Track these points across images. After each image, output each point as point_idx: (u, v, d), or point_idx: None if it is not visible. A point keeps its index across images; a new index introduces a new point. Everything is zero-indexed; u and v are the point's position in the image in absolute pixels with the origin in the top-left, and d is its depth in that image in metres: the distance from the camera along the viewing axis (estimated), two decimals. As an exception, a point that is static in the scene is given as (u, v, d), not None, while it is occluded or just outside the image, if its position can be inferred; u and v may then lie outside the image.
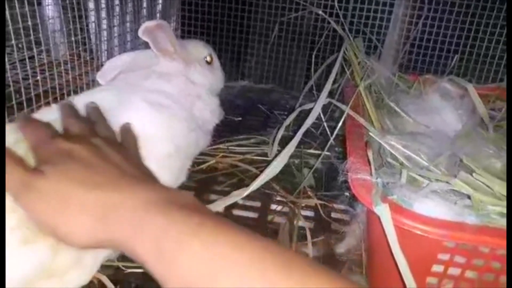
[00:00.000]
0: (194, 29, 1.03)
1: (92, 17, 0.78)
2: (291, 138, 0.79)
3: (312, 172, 0.66)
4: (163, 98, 0.61)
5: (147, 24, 0.64)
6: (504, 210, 0.36)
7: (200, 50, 0.75)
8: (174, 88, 0.64)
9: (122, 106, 0.57)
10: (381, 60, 1.00)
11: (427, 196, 0.37)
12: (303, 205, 0.59)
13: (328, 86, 0.57)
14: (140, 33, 0.64)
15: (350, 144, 0.48)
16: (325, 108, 0.65)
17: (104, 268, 0.44)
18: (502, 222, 0.36)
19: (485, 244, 0.35)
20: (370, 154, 0.43)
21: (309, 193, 0.62)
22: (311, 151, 0.74)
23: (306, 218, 0.57)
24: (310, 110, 0.57)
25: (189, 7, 1.01)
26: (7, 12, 0.57)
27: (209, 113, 0.70)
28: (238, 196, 0.49)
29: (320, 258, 0.49)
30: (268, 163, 0.53)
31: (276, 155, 0.53)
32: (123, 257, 0.46)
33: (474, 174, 0.40)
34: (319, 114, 0.66)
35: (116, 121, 0.53)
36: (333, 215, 0.58)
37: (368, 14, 0.96)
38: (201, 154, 0.67)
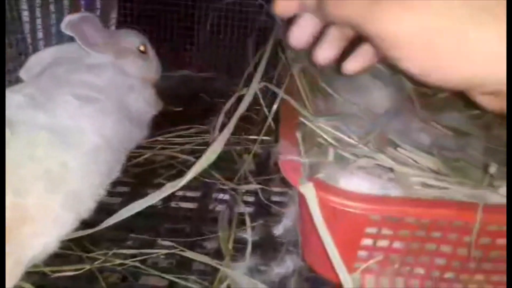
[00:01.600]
0: (131, 19, 0.99)
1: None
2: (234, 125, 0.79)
3: (253, 157, 0.66)
4: (91, 91, 0.59)
5: (69, 18, 0.61)
6: (427, 181, 0.38)
7: (132, 39, 0.72)
8: (103, 80, 0.62)
9: (50, 102, 0.54)
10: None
11: (353, 173, 0.37)
12: (243, 190, 0.59)
13: (260, 70, 0.56)
14: (63, 27, 0.61)
15: (283, 127, 0.48)
16: (267, 93, 0.64)
17: (28, 275, 0.42)
18: (424, 192, 0.37)
19: (409, 214, 0.36)
20: (299, 136, 0.43)
21: (249, 178, 0.61)
22: (253, 137, 0.73)
23: (247, 203, 0.57)
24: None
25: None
26: None
27: (144, 104, 0.68)
28: (172, 188, 0.48)
29: (259, 242, 0.49)
30: (207, 152, 0.52)
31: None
32: (49, 261, 0.44)
33: (398, 149, 0.41)
34: (260, 99, 0.66)
35: (41, 117, 0.50)
36: (273, 198, 0.58)
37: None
38: (138, 147, 0.65)
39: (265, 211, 0.55)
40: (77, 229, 0.48)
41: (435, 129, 0.50)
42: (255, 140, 0.73)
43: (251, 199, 0.58)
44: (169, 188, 0.49)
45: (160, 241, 0.49)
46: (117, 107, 0.60)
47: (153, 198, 0.49)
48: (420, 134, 0.50)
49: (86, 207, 0.50)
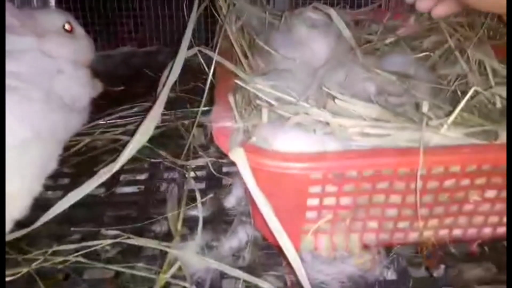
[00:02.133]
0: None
1: None
2: (181, 99, 0.75)
3: (203, 129, 0.62)
4: (12, 80, 0.53)
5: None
6: (366, 130, 0.35)
7: (55, 19, 0.66)
8: (24, 66, 0.57)
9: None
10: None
11: (286, 132, 0.35)
12: (193, 166, 0.56)
13: (188, 34, 0.52)
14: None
15: (217, 92, 0.45)
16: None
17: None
18: (363, 143, 0.34)
19: (349, 168, 0.33)
20: (231, 99, 0.40)
21: (200, 152, 0.58)
22: (204, 108, 0.70)
23: (198, 179, 0.54)
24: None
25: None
26: None
27: (78, 87, 0.63)
28: (107, 173, 0.44)
29: (210, 217, 0.47)
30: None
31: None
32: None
33: (336, 100, 0.38)
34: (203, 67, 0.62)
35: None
36: (224, 169, 0.55)
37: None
38: (77, 134, 0.61)
39: (216, 184, 0.53)
40: (12, 231, 0.45)
41: (378, 76, 0.47)
42: (203, 111, 0.69)
43: (202, 173, 0.55)
44: (105, 173, 0.46)
45: (104, 231, 0.46)
46: (45, 93, 0.55)
47: (89, 186, 0.45)
48: (365, 83, 0.47)
49: (18, 206, 0.46)
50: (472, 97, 0.45)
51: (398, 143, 0.34)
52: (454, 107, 0.35)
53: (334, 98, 0.38)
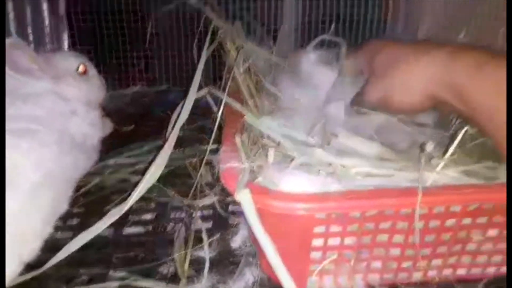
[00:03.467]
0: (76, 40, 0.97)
1: None
2: (190, 137, 0.77)
3: (210, 168, 0.63)
4: (29, 123, 0.55)
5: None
6: (369, 170, 0.36)
7: (70, 61, 0.69)
8: (41, 109, 0.59)
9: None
10: (279, 42, 1.01)
11: (291, 173, 0.36)
12: (200, 205, 0.56)
13: (197, 75, 0.54)
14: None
15: (225, 132, 0.47)
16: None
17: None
18: (367, 183, 0.35)
19: (352, 208, 0.34)
20: (238, 140, 0.41)
21: (206, 191, 0.59)
22: (211, 146, 0.71)
23: (205, 218, 0.54)
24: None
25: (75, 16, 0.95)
26: None
27: (89, 128, 0.65)
28: (118, 213, 0.45)
29: (217, 258, 0.47)
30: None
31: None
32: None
33: (339, 139, 0.39)
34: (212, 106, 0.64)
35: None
36: (231, 208, 0.56)
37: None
38: (88, 174, 0.62)
39: (223, 223, 0.53)
40: (21, 273, 0.45)
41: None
42: (211, 150, 0.70)
43: (208, 212, 0.56)
44: (114, 214, 0.46)
45: (112, 273, 0.46)
46: (59, 135, 0.57)
47: (99, 227, 0.46)
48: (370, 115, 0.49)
49: (29, 249, 0.47)
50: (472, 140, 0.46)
51: (400, 183, 0.35)
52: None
53: (337, 136, 0.39)
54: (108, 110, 0.77)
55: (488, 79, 0.34)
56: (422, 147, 0.35)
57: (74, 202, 0.57)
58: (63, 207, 0.54)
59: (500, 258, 0.39)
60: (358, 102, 0.50)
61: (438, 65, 0.38)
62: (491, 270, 0.40)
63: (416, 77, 0.41)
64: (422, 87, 0.40)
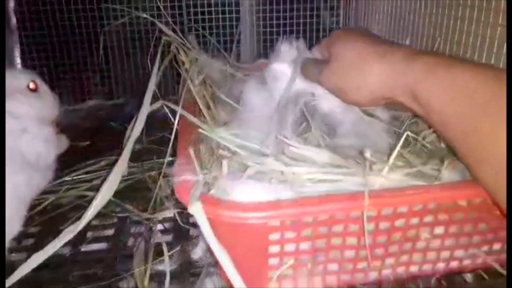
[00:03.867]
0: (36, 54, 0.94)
1: None
2: (148, 150, 0.76)
3: (169, 180, 0.63)
4: (-27, 143, 0.53)
5: None
6: (319, 176, 0.37)
7: (19, 79, 0.67)
8: (-13, 128, 0.56)
9: None
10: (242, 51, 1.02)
11: (243, 183, 0.36)
12: (159, 218, 0.56)
13: (150, 88, 0.54)
14: None
15: (179, 145, 0.47)
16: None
17: None
18: (317, 189, 0.36)
19: (303, 215, 0.35)
20: (191, 152, 0.42)
21: (166, 204, 0.59)
22: (170, 159, 0.71)
23: (164, 231, 0.54)
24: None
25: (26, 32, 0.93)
26: None
27: (42, 145, 0.63)
28: (71, 233, 0.44)
29: (177, 270, 0.47)
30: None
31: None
32: None
33: (290, 148, 0.40)
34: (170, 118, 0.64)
35: None
36: (191, 220, 0.55)
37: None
38: (43, 192, 0.61)
39: (183, 235, 0.53)
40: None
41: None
42: (169, 162, 0.70)
43: (169, 225, 0.56)
44: (69, 232, 0.45)
45: (70, 292, 0.45)
46: (9, 155, 0.55)
47: (53, 247, 0.45)
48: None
49: (-20, 272, 0.45)
50: (423, 138, 0.49)
51: (348, 187, 0.36)
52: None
53: (288, 145, 0.40)
54: (63, 126, 0.75)
55: (439, 83, 0.35)
56: (362, 153, 0.36)
57: (29, 221, 0.55)
58: (17, 227, 0.53)
59: (448, 254, 0.41)
60: (307, 74, 0.51)
61: (393, 69, 0.40)
62: (441, 266, 0.42)
63: (370, 80, 0.42)
64: (376, 89, 0.42)
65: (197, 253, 0.49)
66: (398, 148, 0.36)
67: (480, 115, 0.32)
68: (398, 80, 0.39)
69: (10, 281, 0.44)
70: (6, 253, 0.50)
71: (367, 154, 0.35)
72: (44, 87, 0.69)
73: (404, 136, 0.36)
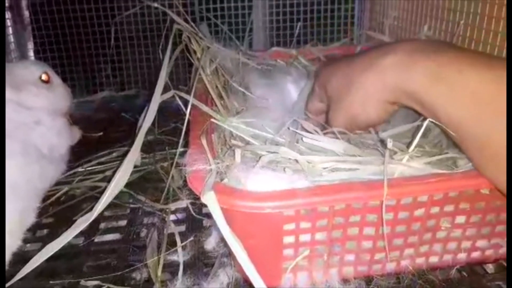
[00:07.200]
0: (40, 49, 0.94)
1: None
2: (157, 141, 0.75)
3: (182, 171, 0.62)
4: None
5: None
6: (334, 165, 0.36)
7: (32, 70, 0.67)
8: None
9: None
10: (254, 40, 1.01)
11: (258, 171, 0.35)
12: (172, 209, 0.56)
13: (161, 78, 0.53)
14: None
15: (192, 135, 0.46)
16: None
17: None
18: (332, 177, 0.35)
19: (319, 204, 0.34)
20: (204, 141, 0.41)
21: (179, 195, 0.58)
22: (182, 149, 0.70)
23: (177, 222, 0.54)
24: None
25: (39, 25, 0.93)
26: None
27: (56, 137, 0.63)
28: (84, 223, 0.44)
29: (190, 261, 0.46)
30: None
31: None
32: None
33: (303, 138, 0.39)
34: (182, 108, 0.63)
35: None
36: (204, 210, 0.55)
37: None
38: (56, 183, 0.61)
39: (197, 226, 0.52)
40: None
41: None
42: (182, 152, 0.69)
43: (182, 216, 0.55)
44: (82, 222, 0.45)
45: (84, 282, 0.45)
46: (22, 146, 0.55)
47: (66, 237, 0.45)
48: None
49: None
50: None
51: (365, 176, 0.35)
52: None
53: (302, 136, 0.39)
54: (76, 118, 0.75)
55: (444, 86, 0.34)
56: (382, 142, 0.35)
57: (42, 212, 0.56)
58: (31, 218, 0.53)
59: (470, 244, 0.40)
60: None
61: (389, 75, 0.38)
62: (462, 256, 0.41)
63: (371, 89, 0.40)
64: (380, 96, 0.40)
65: (210, 243, 0.48)
66: (418, 137, 0.35)
67: (490, 117, 0.31)
68: (398, 85, 0.38)
69: (24, 271, 0.44)
70: (22, 243, 0.50)
71: (389, 145, 0.34)
72: (56, 79, 0.69)
73: (425, 124, 0.34)
